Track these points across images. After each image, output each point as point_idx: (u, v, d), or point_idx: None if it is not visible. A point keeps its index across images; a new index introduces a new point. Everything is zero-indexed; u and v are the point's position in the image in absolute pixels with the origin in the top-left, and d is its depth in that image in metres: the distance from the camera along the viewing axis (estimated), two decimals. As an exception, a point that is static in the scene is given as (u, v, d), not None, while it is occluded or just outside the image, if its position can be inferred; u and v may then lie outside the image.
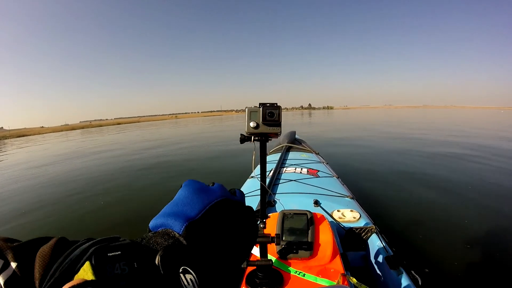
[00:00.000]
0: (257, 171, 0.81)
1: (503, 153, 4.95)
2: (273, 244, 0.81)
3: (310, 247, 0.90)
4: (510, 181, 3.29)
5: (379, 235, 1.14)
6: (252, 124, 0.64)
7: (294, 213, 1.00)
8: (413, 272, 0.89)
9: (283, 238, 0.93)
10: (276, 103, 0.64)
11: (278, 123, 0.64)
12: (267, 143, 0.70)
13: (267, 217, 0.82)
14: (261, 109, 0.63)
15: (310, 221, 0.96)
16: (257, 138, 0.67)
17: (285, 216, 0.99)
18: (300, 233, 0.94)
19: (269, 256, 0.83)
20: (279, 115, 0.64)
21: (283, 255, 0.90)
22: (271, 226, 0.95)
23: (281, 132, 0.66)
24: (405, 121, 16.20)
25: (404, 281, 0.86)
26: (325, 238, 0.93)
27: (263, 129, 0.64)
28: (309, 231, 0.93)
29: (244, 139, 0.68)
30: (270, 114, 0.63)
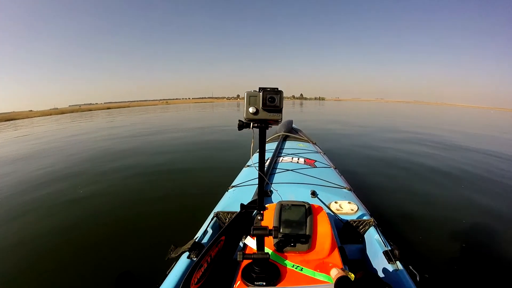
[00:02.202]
0: (254, 159, 0.76)
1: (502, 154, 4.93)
2: (270, 236, 0.78)
3: (308, 240, 0.86)
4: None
5: (377, 228, 1.12)
6: (251, 109, 0.58)
7: (292, 204, 0.95)
8: (411, 267, 0.87)
9: (280, 230, 0.89)
10: (277, 88, 0.59)
11: (279, 109, 0.59)
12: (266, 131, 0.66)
13: (265, 208, 0.78)
14: (261, 93, 0.58)
15: (308, 212, 0.92)
16: (256, 124, 0.62)
17: (283, 207, 0.94)
18: (297, 225, 0.90)
19: (266, 249, 0.79)
20: (280, 100, 0.59)
21: (280, 248, 0.87)
22: (268, 217, 0.91)
23: (281, 119, 0.61)
24: (399, 114, 16.26)
25: (402, 276, 0.84)
26: (324, 231, 0.89)
27: (263, 115, 0.59)
28: (307, 224, 0.90)
29: (242, 125, 0.63)
30: (271, 99, 0.58)
